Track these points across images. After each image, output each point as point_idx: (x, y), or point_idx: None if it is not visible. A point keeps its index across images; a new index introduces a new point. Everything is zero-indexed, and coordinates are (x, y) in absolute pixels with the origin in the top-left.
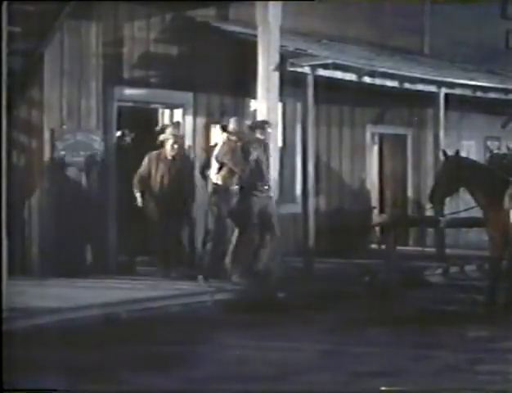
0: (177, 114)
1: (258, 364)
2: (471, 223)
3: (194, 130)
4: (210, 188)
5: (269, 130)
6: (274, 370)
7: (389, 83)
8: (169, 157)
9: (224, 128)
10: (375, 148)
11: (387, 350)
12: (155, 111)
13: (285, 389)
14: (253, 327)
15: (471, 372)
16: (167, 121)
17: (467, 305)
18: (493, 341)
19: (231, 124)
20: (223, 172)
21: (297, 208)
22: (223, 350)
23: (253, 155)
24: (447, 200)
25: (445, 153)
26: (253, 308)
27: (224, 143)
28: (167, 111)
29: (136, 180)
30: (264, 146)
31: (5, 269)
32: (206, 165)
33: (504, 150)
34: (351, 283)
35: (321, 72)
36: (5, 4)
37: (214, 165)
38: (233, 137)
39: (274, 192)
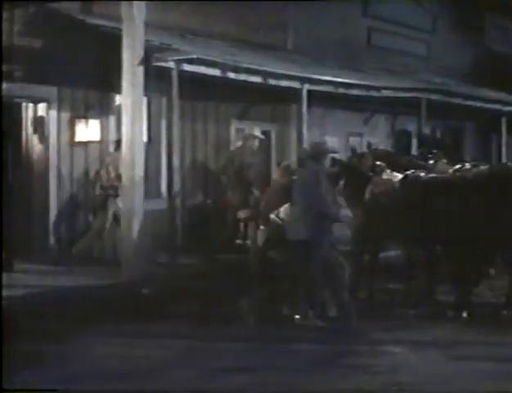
0: (41, 108)
1: None
2: None
3: (58, 125)
4: None
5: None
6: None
7: (253, 78)
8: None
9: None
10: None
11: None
12: (19, 106)
13: None
14: None
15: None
16: (31, 116)
17: None
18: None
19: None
20: None
21: (162, 204)
22: None
23: None
24: None
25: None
26: None
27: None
28: (31, 106)
29: None
30: None
31: None
32: None
33: (366, 146)
34: (213, 279)
35: (186, 67)
36: None
37: None
38: None
39: None
